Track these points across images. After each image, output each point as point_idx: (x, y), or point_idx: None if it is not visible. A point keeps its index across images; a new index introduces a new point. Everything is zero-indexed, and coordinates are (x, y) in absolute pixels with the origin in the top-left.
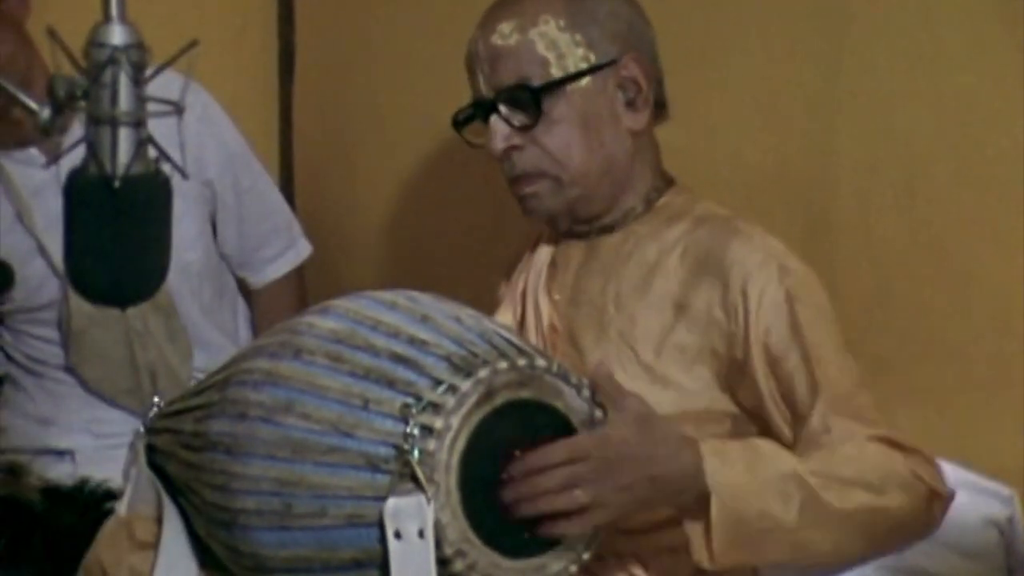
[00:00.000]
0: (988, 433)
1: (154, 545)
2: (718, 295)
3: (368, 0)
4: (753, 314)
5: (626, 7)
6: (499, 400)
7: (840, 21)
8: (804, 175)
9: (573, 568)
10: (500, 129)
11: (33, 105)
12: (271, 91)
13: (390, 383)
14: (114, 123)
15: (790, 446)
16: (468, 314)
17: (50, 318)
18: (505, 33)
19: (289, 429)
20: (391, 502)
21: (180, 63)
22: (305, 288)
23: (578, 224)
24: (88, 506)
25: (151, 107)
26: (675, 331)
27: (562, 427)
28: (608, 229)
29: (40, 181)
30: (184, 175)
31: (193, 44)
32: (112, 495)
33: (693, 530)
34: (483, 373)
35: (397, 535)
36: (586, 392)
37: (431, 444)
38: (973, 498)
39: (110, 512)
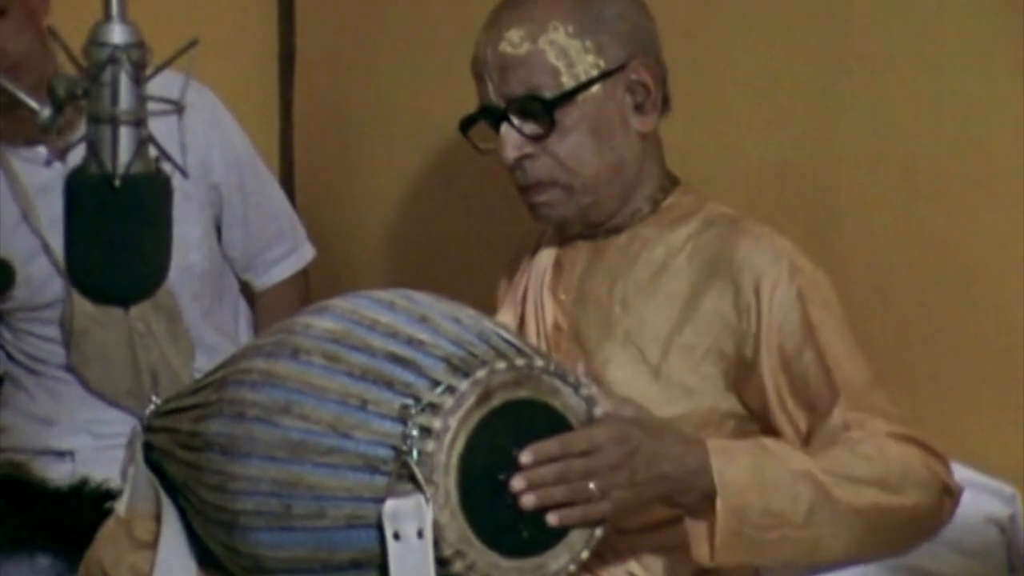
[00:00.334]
0: (989, 431)
1: (153, 544)
2: (730, 296)
3: None
4: (766, 313)
5: (631, 6)
6: (497, 400)
7: (842, 20)
8: (805, 173)
9: (572, 567)
10: (512, 138)
11: (33, 104)
12: (271, 90)
13: (388, 384)
14: (114, 122)
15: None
16: (466, 314)
17: (52, 317)
18: (515, 42)
19: (287, 430)
20: (389, 503)
21: (180, 62)
22: (308, 291)
23: (586, 227)
24: (88, 506)
25: (152, 106)
26: (683, 331)
27: (560, 426)
28: (615, 230)
29: (46, 179)
30: (184, 174)
31: (193, 43)
32: (112, 495)
33: (696, 528)
34: (481, 374)
35: (396, 536)
36: (584, 391)
37: (429, 445)
38: (974, 496)
39: (110, 512)
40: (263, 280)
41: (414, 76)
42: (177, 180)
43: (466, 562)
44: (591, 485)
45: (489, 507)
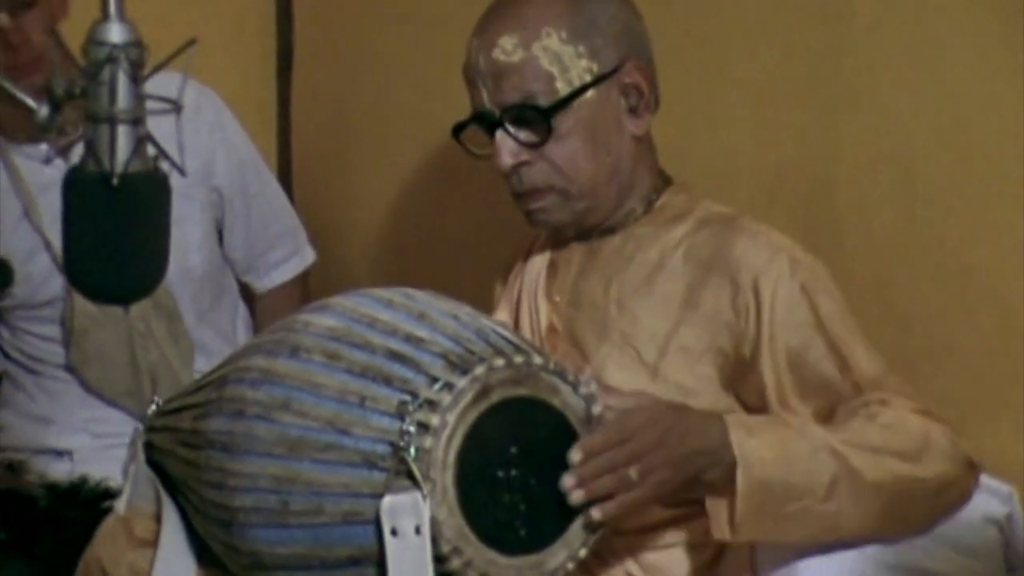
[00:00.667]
0: (988, 430)
1: (153, 543)
2: (727, 294)
3: None
4: (767, 311)
5: (623, 8)
6: (495, 397)
7: (840, 19)
8: (804, 173)
9: (570, 565)
10: (507, 145)
11: (31, 103)
12: (269, 89)
13: (387, 380)
14: (112, 121)
15: None
16: (465, 312)
17: (51, 316)
18: (508, 49)
19: (286, 427)
20: (387, 499)
21: (178, 61)
22: (308, 293)
23: (583, 231)
24: (87, 504)
25: (152, 106)
26: (679, 331)
27: (559, 424)
28: (609, 231)
29: (49, 177)
30: (182, 173)
31: (191, 42)
32: (111, 494)
33: (716, 506)
34: (479, 370)
35: (393, 532)
36: (583, 389)
37: (427, 441)
38: (974, 495)
39: (109, 510)
40: (263, 282)
41: (412, 75)
42: (179, 182)
43: (463, 559)
44: (631, 472)
45: (487, 504)
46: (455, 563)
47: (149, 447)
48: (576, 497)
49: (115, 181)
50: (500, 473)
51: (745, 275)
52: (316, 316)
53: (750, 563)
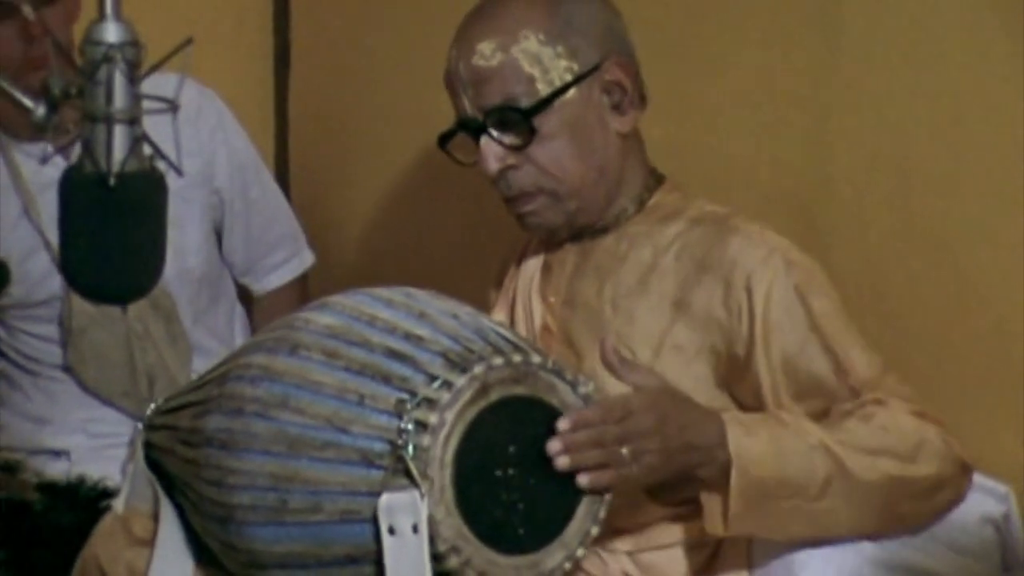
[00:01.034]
0: (984, 430)
1: (150, 541)
2: (719, 293)
3: None
4: (760, 312)
5: (600, 6)
6: (494, 396)
7: (835, 18)
8: (799, 172)
9: (568, 565)
10: (492, 150)
11: (28, 103)
12: (267, 88)
13: (385, 379)
14: (109, 121)
15: None
16: (465, 311)
17: (49, 315)
18: (486, 54)
19: (284, 424)
20: (385, 498)
21: (175, 61)
22: (307, 296)
23: (576, 231)
24: (84, 504)
25: (150, 105)
26: (673, 331)
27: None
28: (602, 231)
29: (48, 176)
30: (179, 172)
31: (188, 42)
32: (108, 493)
33: (710, 501)
34: (478, 369)
35: (391, 531)
36: (581, 388)
37: (425, 440)
38: (969, 495)
39: (106, 510)
40: (262, 284)
41: (410, 75)
42: (178, 184)
43: (461, 558)
44: (623, 450)
45: (485, 503)
46: (453, 562)
47: (148, 446)
48: (561, 463)
49: (112, 181)
50: (498, 472)
51: (738, 274)
52: (316, 314)
53: (747, 563)
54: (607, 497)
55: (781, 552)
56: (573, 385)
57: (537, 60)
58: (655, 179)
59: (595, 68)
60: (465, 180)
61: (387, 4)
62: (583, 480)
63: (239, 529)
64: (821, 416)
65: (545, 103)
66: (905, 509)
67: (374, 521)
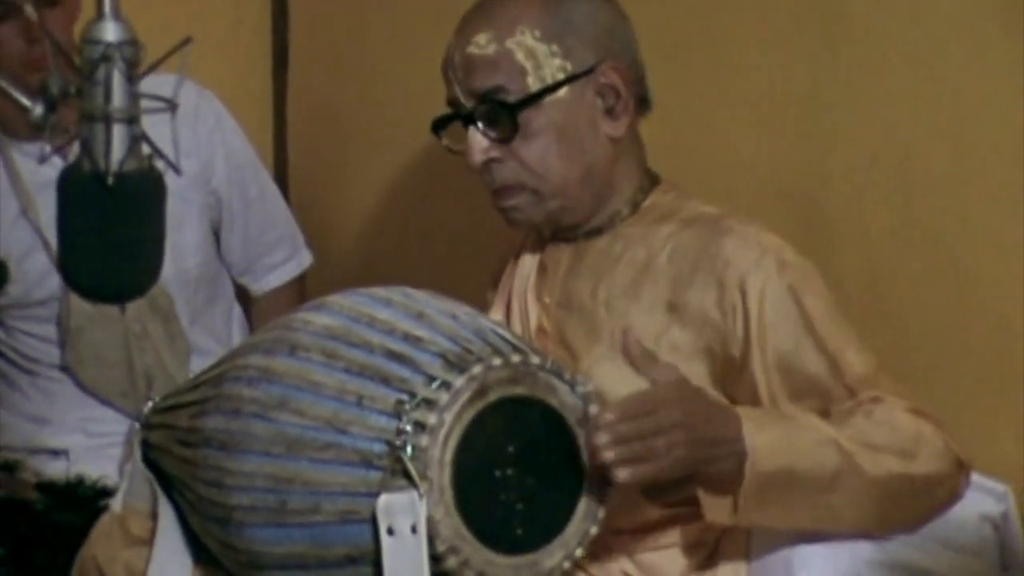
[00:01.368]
0: (984, 429)
1: (149, 541)
2: (713, 294)
3: None
4: (755, 312)
5: (603, 9)
6: (492, 396)
7: (835, 17)
8: (799, 172)
9: (567, 564)
10: (478, 142)
11: (26, 102)
12: (265, 87)
13: (384, 379)
14: (108, 120)
15: None
16: (464, 311)
17: (47, 315)
18: (481, 43)
19: (283, 425)
20: (384, 498)
21: (174, 60)
22: (305, 296)
23: (564, 230)
24: (84, 503)
25: (148, 105)
26: (668, 331)
27: (556, 424)
28: (595, 232)
29: (47, 176)
30: (178, 172)
31: (186, 41)
32: (107, 493)
33: (711, 500)
34: (477, 370)
35: (390, 531)
36: (580, 388)
37: (424, 440)
38: (969, 494)
39: (105, 509)
40: (260, 285)
41: (408, 75)
42: (177, 185)
43: (460, 558)
44: (659, 442)
45: (484, 503)
46: (451, 562)
47: (145, 445)
48: (607, 456)
49: (110, 180)
50: (497, 472)
51: (732, 275)
52: (314, 315)
53: (745, 563)
54: (605, 498)
55: (780, 552)
56: (572, 385)
57: (531, 55)
58: (650, 180)
59: (590, 70)
60: (464, 180)
61: (386, 4)
62: (622, 475)
63: (238, 530)
64: (821, 415)
65: (533, 99)
66: (906, 505)
67: (373, 522)
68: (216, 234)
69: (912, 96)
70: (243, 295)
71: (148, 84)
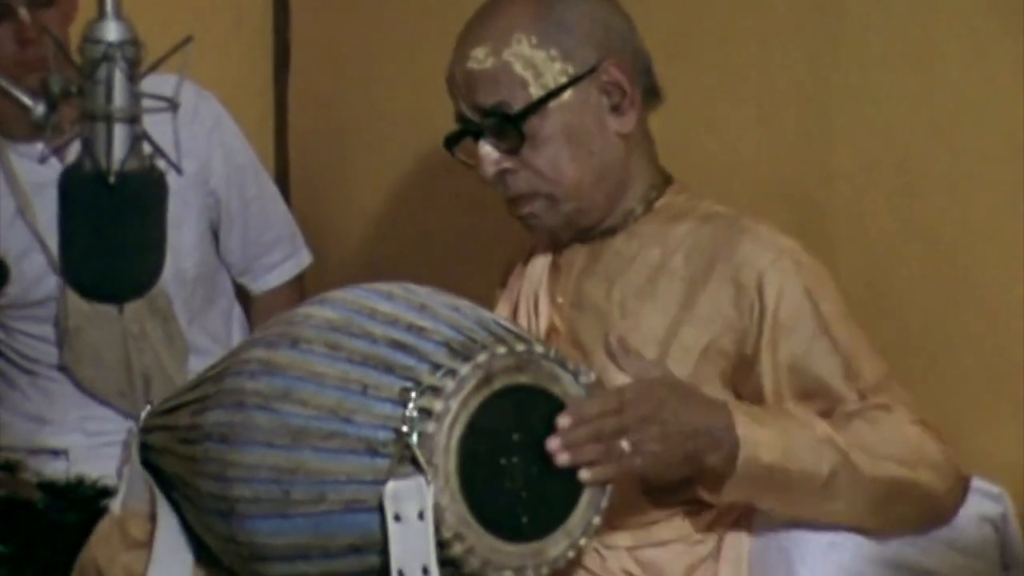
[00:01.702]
0: (982, 429)
1: (147, 543)
2: (729, 293)
3: None
4: (770, 312)
5: (598, 6)
6: (497, 384)
7: (835, 16)
8: (799, 171)
9: (571, 553)
10: (489, 154)
11: (28, 101)
12: (266, 87)
13: (388, 368)
14: (109, 119)
15: None
16: (465, 304)
17: (45, 315)
18: (480, 58)
19: (287, 416)
20: (391, 485)
21: (175, 60)
22: (304, 295)
23: (580, 232)
24: (83, 503)
25: (149, 104)
26: (681, 332)
27: (560, 412)
28: (609, 232)
29: (44, 176)
30: (179, 171)
31: (188, 40)
32: (107, 493)
33: (713, 492)
34: (482, 358)
35: (397, 517)
36: (583, 378)
37: (430, 427)
38: (969, 495)
39: (105, 509)
40: (259, 284)
41: (410, 75)
42: (175, 185)
43: (465, 545)
44: (623, 442)
45: (489, 491)
46: (457, 549)
47: (144, 447)
48: (562, 460)
49: (112, 179)
50: (502, 460)
51: (748, 274)
52: (316, 309)
53: (747, 561)
54: (609, 488)
55: (781, 549)
56: (575, 374)
57: (530, 64)
58: (663, 179)
59: (591, 70)
60: (464, 182)
61: (387, 5)
62: (584, 475)
63: (241, 522)
64: (824, 417)
65: (536, 107)
66: (904, 511)
67: (379, 509)
68: (215, 234)
69: (912, 96)
70: (243, 295)
71: (149, 84)
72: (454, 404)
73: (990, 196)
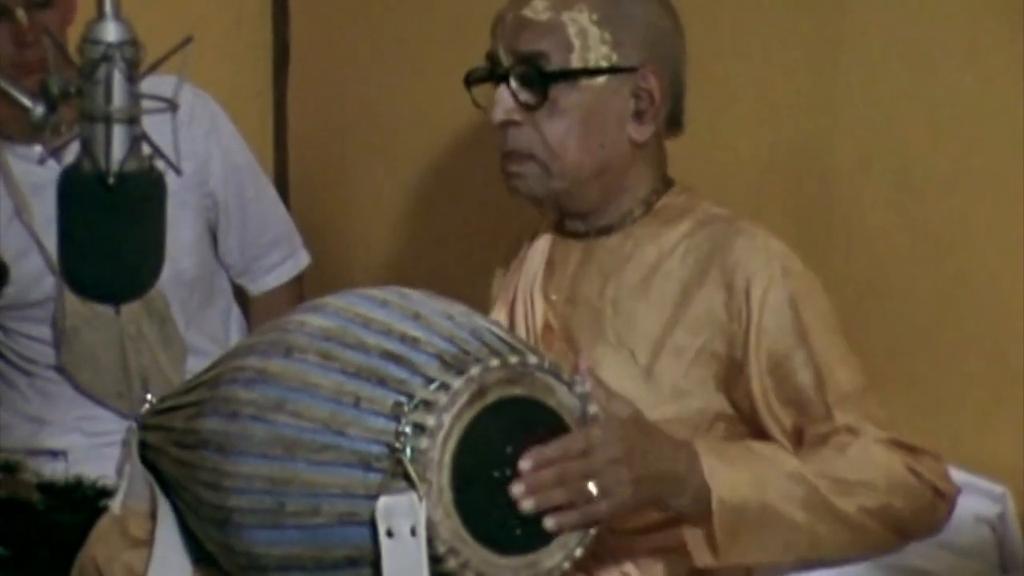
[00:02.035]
0: (982, 429)
1: (148, 541)
2: (721, 296)
3: None
4: (755, 315)
5: (665, 18)
6: (491, 397)
7: (836, 16)
8: (799, 170)
9: (566, 565)
10: (504, 101)
11: (27, 102)
12: (265, 87)
13: (382, 381)
14: (108, 120)
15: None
16: (459, 311)
17: (43, 316)
18: (538, 9)
19: (281, 427)
20: (383, 500)
21: (174, 60)
22: (303, 296)
23: (571, 219)
24: (83, 504)
25: (147, 105)
26: (674, 333)
27: (554, 424)
28: (606, 231)
29: (41, 178)
30: (178, 172)
31: (187, 41)
32: (106, 493)
33: (694, 534)
34: (475, 371)
35: (389, 533)
36: (578, 389)
37: (423, 442)
38: (966, 496)
39: (104, 510)
40: (258, 285)
41: (409, 75)
42: (173, 187)
43: (459, 560)
44: (590, 486)
45: (483, 505)
46: (451, 564)
47: (143, 446)
48: (527, 505)
49: (111, 180)
50: (496, 473)
51: (739, 278)
52: (310, 316)
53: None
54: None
55: None
56: (570, 385)
57: (583, 34)
58: (665, 184)
59: (632, 68)
60: (464, 182)
61: (386, 5)
62: (549, 524)
63: (237, 532)
64: (797, 434)
65: (569, 74)
66: (884, 536)
67: (372, 524)
68: (213, 235)
69: (912, 96)
70: (242, 296)
71: (148, 84)
72: (447, 418)
73: (990, 196)
